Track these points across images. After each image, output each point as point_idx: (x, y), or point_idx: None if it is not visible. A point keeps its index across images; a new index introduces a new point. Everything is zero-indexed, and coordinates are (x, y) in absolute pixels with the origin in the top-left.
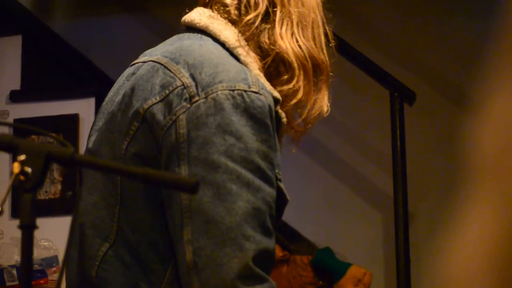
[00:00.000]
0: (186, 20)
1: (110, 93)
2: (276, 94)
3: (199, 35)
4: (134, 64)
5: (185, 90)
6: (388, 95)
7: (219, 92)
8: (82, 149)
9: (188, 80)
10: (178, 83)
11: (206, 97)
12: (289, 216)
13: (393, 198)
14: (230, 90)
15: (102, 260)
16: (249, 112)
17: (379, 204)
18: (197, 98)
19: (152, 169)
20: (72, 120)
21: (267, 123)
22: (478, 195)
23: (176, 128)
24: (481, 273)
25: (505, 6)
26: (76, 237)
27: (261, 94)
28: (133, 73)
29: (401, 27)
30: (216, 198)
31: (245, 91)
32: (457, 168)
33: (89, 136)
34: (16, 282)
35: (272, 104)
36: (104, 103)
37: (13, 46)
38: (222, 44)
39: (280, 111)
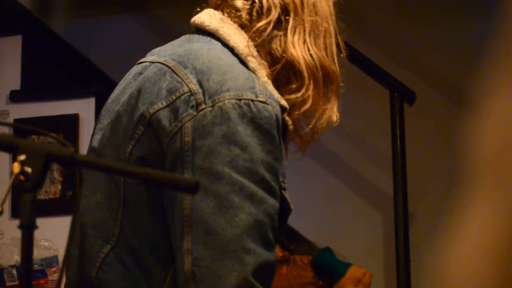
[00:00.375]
0: (196, 22)
1: (116, 91)
2: (284, 102)
3: (209, 38)
4: (141, 63)
5: (192, 97)
6: (388, 95)
7: (226, 101)
8: (82, 149)
9: (195, 87)
10: (185, 89)
11: (213, 106)
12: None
13: (393, 198)
14: (237, 99)
15: (103, 262)
16: (255, 122)
17: (379, 204)
18: (203, 106)
19: (152, 169)
20: (72, 120)
21: (273, 133)
22: (478, 195)
23: (181, 136)
24: (481, 272)
25: (505, 6)
26: (77, 237)
27: (268, 104)
28: (140, 73)
29: (401, 27)
30: (217, 209)
31: (252, 100)
32: (457, 168)
33: (93, 134)
34: (16, 282)
35: (279, 113)
36: (109, 101)
37: (13, 46)
38: (231, 50)
39: (287, 118)
